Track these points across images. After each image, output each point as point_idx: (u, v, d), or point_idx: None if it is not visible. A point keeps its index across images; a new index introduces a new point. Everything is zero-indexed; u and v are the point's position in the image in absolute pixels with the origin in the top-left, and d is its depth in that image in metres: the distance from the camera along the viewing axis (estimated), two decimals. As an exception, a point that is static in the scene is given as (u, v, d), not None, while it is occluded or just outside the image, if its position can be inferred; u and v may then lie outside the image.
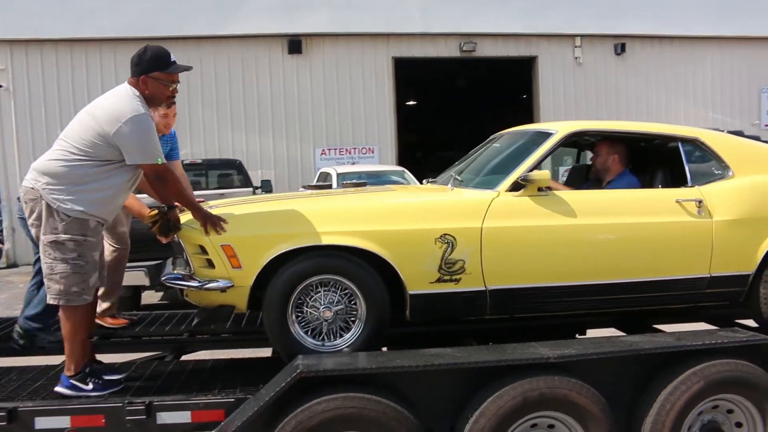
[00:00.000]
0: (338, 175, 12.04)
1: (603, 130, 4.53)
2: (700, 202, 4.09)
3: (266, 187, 13.36)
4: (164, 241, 3.95)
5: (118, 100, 3.51)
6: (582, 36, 17.38)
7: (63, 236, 3.45)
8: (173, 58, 3.64)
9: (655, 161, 4.56)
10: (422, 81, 22.30)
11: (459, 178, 4.44)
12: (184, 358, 4.64)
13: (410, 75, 18.74)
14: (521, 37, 17.07)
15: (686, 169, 4.26)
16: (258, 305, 3.71)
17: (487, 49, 16.97)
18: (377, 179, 12.11)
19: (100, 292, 4.19)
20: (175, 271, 3.92)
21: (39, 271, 4.00)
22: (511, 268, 3.83)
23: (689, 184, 4.22)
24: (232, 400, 3.37)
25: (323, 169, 13.35)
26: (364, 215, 3.81)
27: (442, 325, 4.46)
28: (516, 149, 4.43)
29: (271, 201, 4.18)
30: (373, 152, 16.46)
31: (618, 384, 3.47)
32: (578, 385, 3.22)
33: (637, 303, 4.24)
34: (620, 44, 17.52)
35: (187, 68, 3.74)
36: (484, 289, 3.79)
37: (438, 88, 24.55)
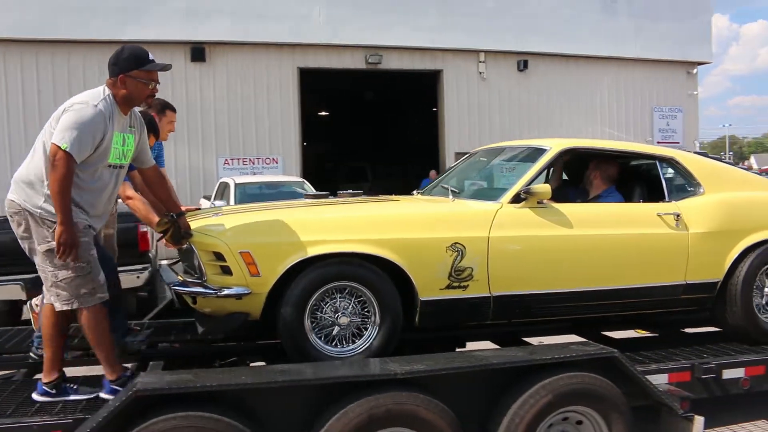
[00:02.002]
0: (236, 185, 11.84)
1: (592, 148, 4.85)
2: (678, 215, 4.48)
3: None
4: (173, 248, 3.93)
5: (82, 93, 3.48)
6: (486, 51, 17.76)
7: (55, 242, 3.34)
8: (152, 56, 3.58)
9: (635, 178, 4.94)
10: (332, 91, 22.31)
11: (455, 189, 4.63)
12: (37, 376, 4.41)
13: (319, 85, 18.69)
14: (427, 51, 17.28)
15: (664, 185, 4.66)
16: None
17: (393, 62, 17.09)
18: (276, 190, 11.97)
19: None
20: (180, 279, 3.93)
21: None
22: (514, 276, 4.08)
23: (667, 199, 4.61)
24: (70, 420, 3.20)
25: (223, 179, 13.11)
26: (380, 224, 3.95)
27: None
28: (513, 164, 4.79)
29: (285, 209, 4.24)
30: (277, 162, 16.27)
31: (471, 398, 3.48)
32: (426, 400, 3.20)
33: (622, 308, 4.60)
34: (523, 61, 18.01)
35: (166, 67, 3.68)
36: (489, 295, 4.01)
37: (348, 99, 24.62)
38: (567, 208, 4.29)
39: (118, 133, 3.52)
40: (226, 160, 15.91)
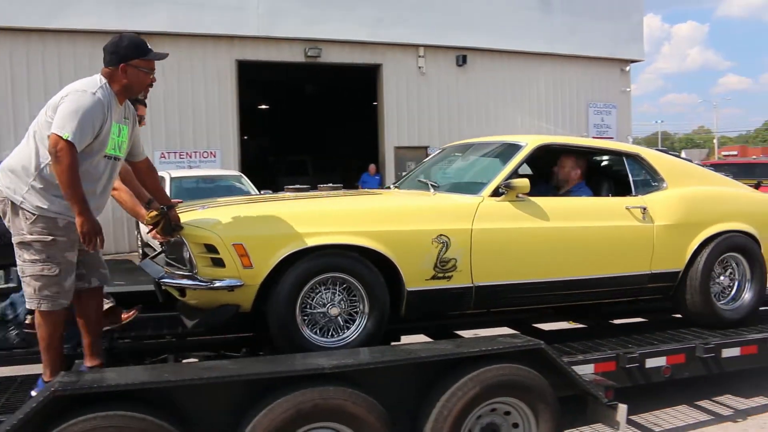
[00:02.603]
0: (172, 179, 11.64)
1: (565, 144, 5.08)
2: (645, 209, 4.74)
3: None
4: (161, 240, 3.95)
5: (74, 83, 3.42)
6: (425, 46, 17.87)
7: (29, 237, 3.32)
8: (150, 45, 3.56)
9: (602, 173, 5.24)
10: (272, 84, 22.08)
11: (435, 183, 4.73)
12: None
13: (258, 78, 18.47)
14: (366, 45, 17.28)
15: (630, 180, 4.91)
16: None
17: (332, 56, 17.03)
18: (213, 184, 11.82)
19: None
20: (166, 272, 3.95)
21: None
22: (495, 266, 4.22)
23: (633, 193, 4.86)
24: (-10, 420, 3.09)
25: (158, 173, 12.81)
26: (370, 216, 4.05)
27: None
28: (490, 159, 4.96)
29: (275, 202, 4.28)
30: (215, 156, 16.04)
31: (400, 392, 3.49)
32: (354, 394, 3.19)
33: (593, 297, 4.81)
34: (462, 56, 18.18)
35: (164, 56, 3.63)
36: (471, 285, 4.15)
37: (288, 93, 24.41)
38: (544, 202, 4.45)
39: (114, 123, 3.46)
40: (163, 153, 15.58)
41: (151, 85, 3.66)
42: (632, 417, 4.60)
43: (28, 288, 3.37)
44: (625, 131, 21.11)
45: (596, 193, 4.98)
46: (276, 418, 3.05)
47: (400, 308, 4.02)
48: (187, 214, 3.89)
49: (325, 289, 3.81)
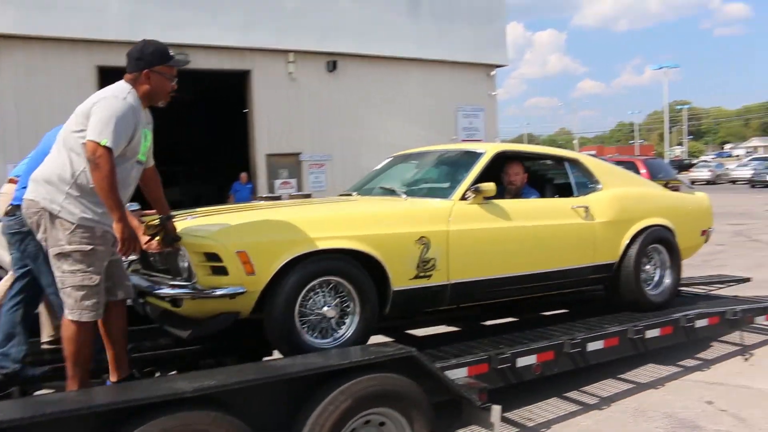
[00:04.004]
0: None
1: (517, 151, 5.68)
2: (587, 208, 5.34)
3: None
4: (157, 251, 3.90)
5: (104, 89, 3.48)
6: (295, 52, 17.64)
7: (68, 247, 3.31)
8: (171, 52, 3.60)
9: (546, 176, 6.00)
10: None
11: (401, 189, 5.10)
12: None
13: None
14: (234, 51, 16.85)
15: (572, 182, 5.55)
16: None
17: (199, 62, 16.44)
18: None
19: None
20: (155, 283, 4.01)
21: (18, 292, 4.16)
22: (468, 264, 4.57)
23: (576, 194, 5.48)
24: None
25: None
26: (360, 221, 4.25)
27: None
28: (450, 166, 5.42)
29: (266, 209, 4.40)
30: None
31: (271, 410, 3.33)
32: (219, 417, 3.00)
33: (549, 288, 5.37)
34: (332, 61, 18.11)
35: (187, 61, 3.79)
36: (447, 282, 4.47)
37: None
38: (506, 204, 4.89)
39: (142, 128, 3.54)
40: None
41: (172, 92, 3.68)
42: (507, 414, 4.67)
43: (69, 299, 3.37)
44: (493, 134, 21.73)
45: (542, 194, 5.54)
46: (133, 451, 2.81)
47: (384, 307, 4.25)
48: (180, 224, 3.92)
49: (314, 294, 3.95)
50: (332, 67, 18.13)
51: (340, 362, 3.43)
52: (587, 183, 5.58)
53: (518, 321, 5.90)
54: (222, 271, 3.70)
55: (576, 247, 5.25)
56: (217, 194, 18.31)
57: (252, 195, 16.73)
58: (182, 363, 4.52)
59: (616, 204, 5.50)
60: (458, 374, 4.10)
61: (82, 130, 3.33)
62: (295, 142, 17.94)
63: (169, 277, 4.04)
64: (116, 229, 3.32)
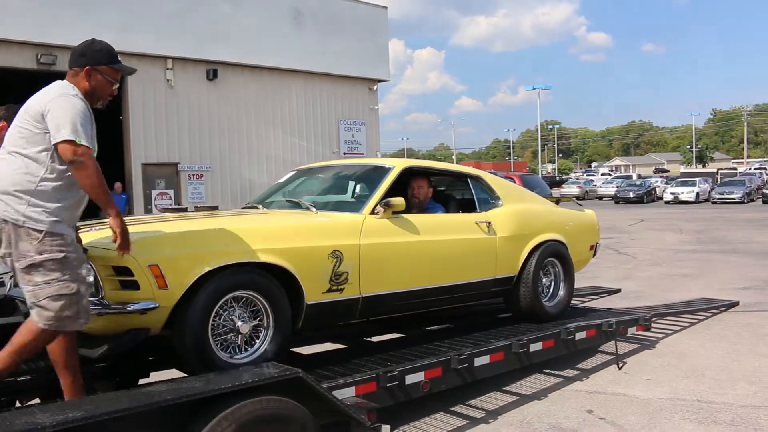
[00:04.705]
0: None
1: (424, 167, 5.69)
2: (489, 223, 5.46)
3: None
4: None
5: (48, 87, 3.33)
6: (174, 58, 17.07)
7: (38, 257, 3.12)
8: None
9: (450, 192, 6.17)
10: (2, 94, 19.75)
11: (308, 203, 4.90)
12: None
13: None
14: (109, 55, 16.04)
15: (475, 198, 5.67)
16: None
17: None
18: None
19: None
20: None
21: None
22: (379, 277, 4.57)
23: (478, 210, 5.58)
24: None
25: None
26: (273, 234, 4.15)
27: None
28: (358, 180, 5.47)
29: (180, 221, 4.25)
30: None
31: (151, 439, 3.08)
32: (89, 452, 2.74)
33: (454, 301, 5.50)
34: (212, 70, 17.68)
35: (133, 70, 3.62)
36: (359, 296, 4.47)
37: (22, 103, 22.01)
38: (413, 218, 4.92)
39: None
40: None
41: (112, 96, 3.54)
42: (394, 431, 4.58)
43: (46, 312, 3.15)
44: (374, 147, 21.90)
45: (446, 209, 5.63)
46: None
47: (297, 321, 4.18)
48: (84, 236, 3.65)
49: (228, 308, 3.83)
50: (213, 75, 17.68)
51: (221, 387, 3.21)
52: (489, 199, 5.71)
53: (404, 337, 5.84)
54: (133, 285, 3.52)
55: (480, 260, 5.37)
56: (89, 205, 17.33)
57: (126, 206, 15.96)
58: (48, 391, 4.10)
59: (515, 219, 5.66)
60: (346, 394, 3.98)
61: (36, 134, 3.19)
62: (173, 152, 17.31)
63: None
64: (114, 224, 3.26)
